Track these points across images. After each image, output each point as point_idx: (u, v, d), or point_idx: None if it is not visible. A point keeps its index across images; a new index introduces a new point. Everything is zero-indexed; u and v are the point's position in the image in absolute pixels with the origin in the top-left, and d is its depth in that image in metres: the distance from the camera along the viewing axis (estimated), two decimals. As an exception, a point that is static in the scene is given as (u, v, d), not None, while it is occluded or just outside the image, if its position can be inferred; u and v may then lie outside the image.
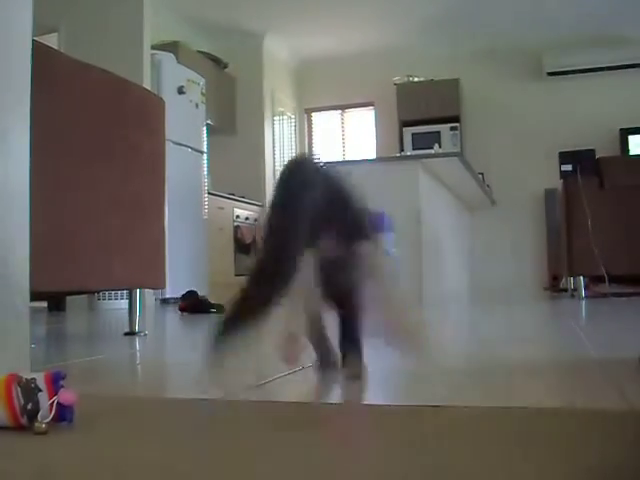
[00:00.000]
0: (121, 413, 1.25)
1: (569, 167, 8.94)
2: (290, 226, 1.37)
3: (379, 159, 7.57)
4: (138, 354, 2.49)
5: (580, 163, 8.91)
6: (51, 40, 6.63)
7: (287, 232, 1.37)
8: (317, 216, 1.38)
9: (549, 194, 9.08)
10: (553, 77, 9.11)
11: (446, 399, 1.32)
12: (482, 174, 8.86)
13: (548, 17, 8.44)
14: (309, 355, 2.24)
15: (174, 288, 5.85)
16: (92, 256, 2.59)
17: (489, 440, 0.96)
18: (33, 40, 1.61)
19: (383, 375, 1.76)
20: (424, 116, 9.26)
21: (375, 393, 1.54)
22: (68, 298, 5.83)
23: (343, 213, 1.47)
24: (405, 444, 0.96)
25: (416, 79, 9.54)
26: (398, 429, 1.06)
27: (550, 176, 8.95)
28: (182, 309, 5.53)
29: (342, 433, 1.05)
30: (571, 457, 0.87)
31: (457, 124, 9.25)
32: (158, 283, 3.08)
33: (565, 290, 7.10)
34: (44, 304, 5.78)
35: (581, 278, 5.82)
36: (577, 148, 8.93)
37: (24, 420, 1.07)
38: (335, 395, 1.60)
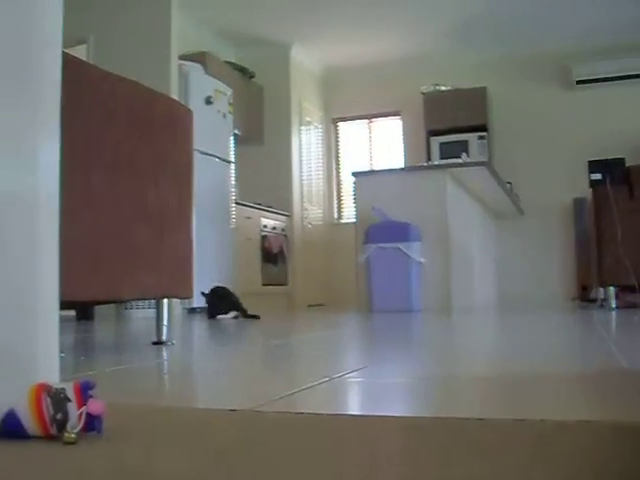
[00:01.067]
0: (149, 423, 1.26)
1: (598, 176, 8.89)
2: None
3: (406, 168, 7.56)
4: (166, 363, 2.50)
5: (610, 172, 8.85)
6: (80, 51, 6.71)
7: None
8: None
9: (578, 203, 9.01)
10: (582, 85, 9.04)
11: (473, 411, 1.31)
12: (510, 183, 8.82)
13: (577, 25, 8.39)
14: (331, 365, 2.24)
15: (201, 297, 5.88)
16: (120, 266, 2.61)
17: (514, 453, 0.95)
18: (62, 52, 1.63)
19: (409, 385, 1.75)
20: (451, 125, 9.24)
21: (400, 404, 1.53)
22: (96, 307, 5.88)
23: None
24: (431, 457, 0.95)
25: (443, 88, 9.51)
26: (424, 442, 1.06)
27: (579, 185, 8.90)
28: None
29: (368, 446, 1.05)
30: (600, 471, 0.86)
31: (485, 133, 9.21)
32: (185, 293, 3.09)
33: (594, 300, 7.03)
34: (72, 313, 5.82)
35: (611, 288, 5.76)
36: (606, 157, 8.87)
37: (53, 430, 1.08)
38: (362, 407, 1.60)
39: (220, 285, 6.14)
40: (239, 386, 1.87)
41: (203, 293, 5.80)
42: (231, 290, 6.03)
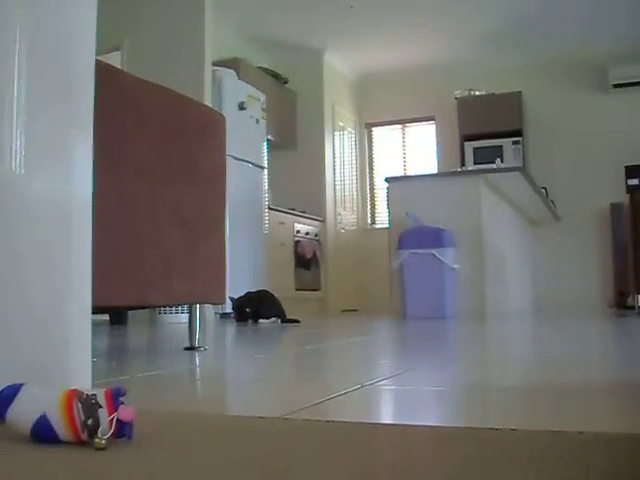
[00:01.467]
0: (181, 429, 1.26)
1: (635, 181, 8.80)
2: None
3: (440, 174, 7.53)
4: (198, 370, 2.51)
5: (647, 177, 8.74)
6: (114, 58, 6.78)
7: None
8: None
9: (615, 209, 8.91)
10: (619, 89, 8.95)
11: (506, 421, 1.30)
12: (545, 188, 8.74)
13: (613, 27, 8.31)
14: (364, 372, 2.23)
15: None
16: (153, 271, 2.63)
17: (548, 466, 0.94)
18: (96, 59, 1.64)
19: (442, 393, 1.74)
20: (485, 130, 9.19)
21: (433, 413, 1.52)
22: (130, 312, 5.92)
23: None
24: (462, 468, 0.94)
25: (477, 93, 9.47)
26: (456, 452, 1.05)
27: (616, 190, 8.80)
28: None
29: (399, 455, 1.04)
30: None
31: (519, 138, 9.15)
32: (218, 299, 3.10)
33: (632, 307, 6.94)
34: (106, 317, 5.88)
35: (649, 295, 5.68)
36: (644, 162, 8.77)
37: (84, 435, 1.08)
38: (393, 415, 1.59)
39: (264, 289, 6.20)
40: (270, 393, 1.87)
41: (232, 298, 5.84)
42: (274, 294, 6.08)
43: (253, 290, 6.11)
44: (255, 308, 5.87)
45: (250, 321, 5.88)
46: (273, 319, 5.87)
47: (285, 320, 5.79)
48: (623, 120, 8.98)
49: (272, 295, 6.02)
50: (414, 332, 4.49)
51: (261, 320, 5.90)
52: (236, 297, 5.91)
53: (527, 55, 9.16)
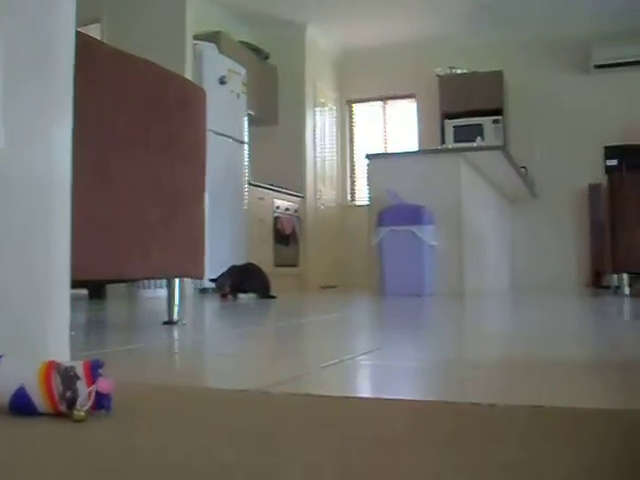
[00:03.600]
0: (159, 402, 1.26)
1: (614, 162, 8.84)
2: None
3: (421, 151, 7.53)
4: (176, 343, 2.51)
5: (626, 158, 8.80)
6: (94, 31, 6.71)
7: None
8: None
9: (593, 189, 8.96)
10: (601, 70, 8.96)
11: (484, 396, 1.31)
12: (525, 167, 8.77)
13: (596, 7, 8.31)
14: (343, 347, 2.24)
15: (213, 278, 5.90)
16: (131, 245, 2.62)
17: (526, 440, 0.95)
18: (76, 31, 1.63)
19: (420, 368, 1.75)
20: (466, 108, 9.19)
21: (411, 387, 1.53)
22: (108, 286, 5.90)
23: None
24: (440, 442, 0.95)
25: (459, 71, 9.46)
26: (434, 426, 1.06)
27: (595, 171, 8.86)
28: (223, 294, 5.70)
29: (376, 429, 1.05)
30: (618, 460, 0.86)
31: (500, 117, 9.15)
32: (197, 272, 3.09)
33: (608, 287, 7.01)
34: (85, 292, 5.85)
35: (625, 275, 5.74)
36: (623, 143, 8.81)
37: (63, 407, 1.08)
38: (372, 389, 1.60)
39: (250, 262, 6.22)
40: (249, 367, 1.88)
41: (213, 280, 5.85)
42: (260, 267, 6.10)
43: (239, 264, 6.12)
44: (238, 281, 5.87)
45: (230, 296, 5.89)
46: (252, 294, 5.88)
47: (265, 296, 5.80)
48: (604, 101, 9.01)
49: (258, 268, 6.03)
50: (392, 308, 4.51)
51: (240, 295, 5.91)
52: (219, 275, 5.90)
53: (509, 34, 9.15)
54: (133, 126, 2.61)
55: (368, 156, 6.92)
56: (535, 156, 9.26)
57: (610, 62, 8.88)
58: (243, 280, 5.88)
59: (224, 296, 5.89)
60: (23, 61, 1.46)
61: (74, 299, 1.69)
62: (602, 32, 8.81)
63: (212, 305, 4.99)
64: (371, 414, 1.15)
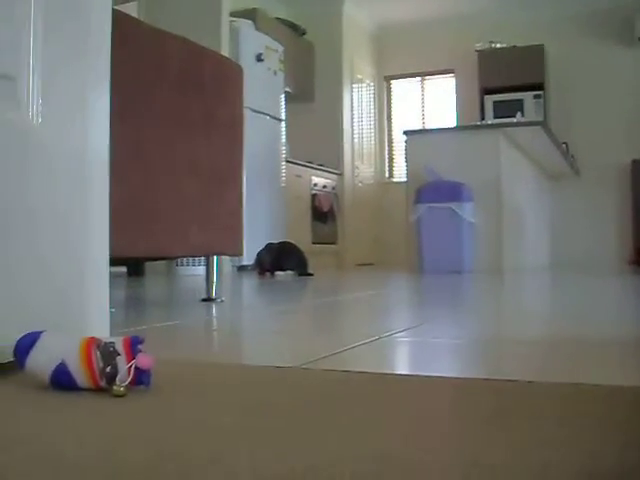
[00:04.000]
0: (198, 378, 1.27)
1: (659, 136, 8.67)
2: None
3: (459, 128, 7.46)
4: (215, 320, 2.53)
5: (670, 132, 8.62)
6: (131, 8, 6.72)
7: None
8: None
9: (636, 165, 8.82)
10: (645, 42, 8.77)
11: (523, 374, 1.30)
12: (566, 143, 8.65)
13: (639, -21, 8.13)
14: (381, 324, 2.23)
15: (251, 255, 5.93)
16: (170, 222, 2.63)
17: (565, 417, 0.94)
18: (113, 9, 1.63)
19: (459, 345, 1.74)
20: (506, 83, 9.07)
21: (449, 364, 1.52)
22: (147, 264, 5.96)
23: None
24: (478, 419, 0.95)
25: (498, 45, 9.33)
26: (472, 403, 1.05)
27: (638, 146, 8.69)
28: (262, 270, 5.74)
29: (415, 405, 1.04)
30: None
31: (541, 92, 9.03)
32: (235, 250, 3.10)
33: (651, 264, 6.91)
34: (124, 269, 5.92)
35: (668, 252, 5.64)
36: (668, 116, 8.64)
37: (103, 383, 1.10)
38: (410, 366, 1.60)
39: (287, 240, 6.26)
40: (287, 344, 1.88)
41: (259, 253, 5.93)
42: (297, 245, 6.13)
43: (275, 242, 6.15)
44: (275, 259, 5.90)
45: (268, 273, 5.92)
46: (290, 272, 5.91)
47: (302, 273, 5.82)
48: (647, 74, 8.84)
49: (295, 246, 6.05)
50: (431, 286, 4.49)
51: (278, 272, 5.94)
52: (257, 253, 5.95)
53: (550, 7, 9.00)
54: (170, 103, 2.62)
55: (406, 132, 6.88)
56: (577, 132, 9.12)
57: (655, 34, 8.69)
58: (281, 258, 5.90)
59: (262, 274, 5.92)
60: (61, 37, 1.46)
61: (113, 276, 1.71)
62: (646, 3, 8.62)
63: (250, 282, 5.01)
64: (410, 391, 1.15)
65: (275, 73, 7.37)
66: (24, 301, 1.38)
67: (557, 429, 0.87)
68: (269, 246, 6.01)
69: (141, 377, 1.11)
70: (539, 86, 9.06)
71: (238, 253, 3.15)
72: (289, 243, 6.14)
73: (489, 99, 9.19)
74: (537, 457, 0.75)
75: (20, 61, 1.37)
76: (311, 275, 5.77)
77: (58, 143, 1.45)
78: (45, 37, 1.41)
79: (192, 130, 2.74)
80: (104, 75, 1.57)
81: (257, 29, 7.27)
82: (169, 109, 2.61)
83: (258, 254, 5.95)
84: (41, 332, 1.16)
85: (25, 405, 1.05)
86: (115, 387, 1.08)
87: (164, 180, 2.59)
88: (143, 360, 1.10)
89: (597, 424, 0.89)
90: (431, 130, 7.25)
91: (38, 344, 1.13)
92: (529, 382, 1.17)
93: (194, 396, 1.10)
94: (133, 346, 1.12)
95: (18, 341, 1.15)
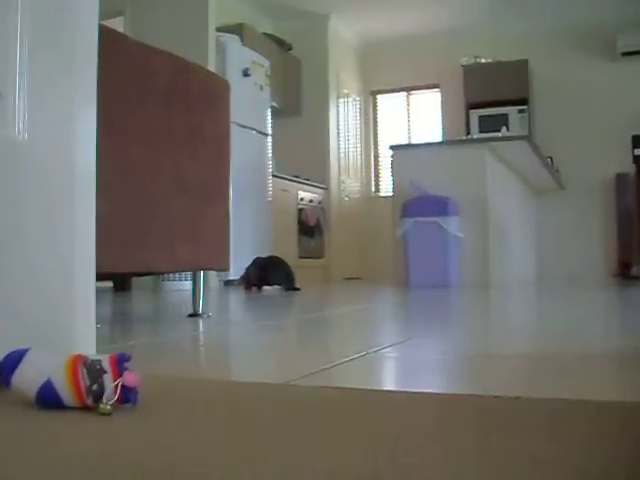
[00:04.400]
0: (185, 395, 1.26)
1: (642, 151, 8.73)
2: None
3: (445, 142, 7.49)
4: (202, 336, 2.52)
5: (654, 147, 8.68)
6: (117, 24, 6.73)
7: None
8: None
9: (621, 179, 8.87)
10: (628, 57, 8.85)
11: (509, 389, 1.30)
12: (551, 158, 8.70)
13: (622, -5, 8.21)
14: (368, 339, 2.23)
15: (238, 270, 5.92)
16: (156, 238, 2.63)
17: (552, 433, 0.94)
18: (99, 24, 1.63)
19: (445, 361, 1.74)
20: (491, 98, 9.13)
21: (436, 380, 1.52)
22: (134, 279, 5.94)
23: None
24: (465, 435, 0.95)
25: (483, 60, 9.39)
26: (459, 419, 1.05)
27: (622, 160, 8.75)
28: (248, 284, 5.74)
29: (402, 421, 1.04)
30: (634, 450, 0.85)
31: (525, 106, 9.09)
32: (222, 265, 3.10)
33: (637, 278, 6.94)
34: (110, 284, 5.89)
35: (653, 265, 5.67)
36: (651, 131, 8.70)
37: (89, 401, 1.09)
38: (397, 382, 1.60)
39: (274, 255, 6.26)
40: (274, 359, 1.88)
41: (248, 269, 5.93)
42: (284, 260, 6.13)
43: (263, 256, 6.16)
44: (263, 273, 5.90)
45: (255, 288, 5.91)
46: (278, 286, 5.90)
47: (290, 288, 5.82)
48: (631, 89, 8.91)
49: (282, 261, 6.05)
50: (417, 300, 4.50)
51: (265, 287, 5.93)
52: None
53: (534, 22, 9.07)
54: (156, 119, 2.62)
55: (392, 147, 6.90)
56: (561, 146, 9.17)
57: (637, 49, 8.77)
58: (268, 272, 5.90)
59: (248, 288, 5.92)
60: (48, 53, 1.46)
61: (99, 292, 1.70)
62: (628, 19, 8.70)
63: (237, 297, 5.00)
64: (397, 407, 1.15)
65: (261, 88, 7.38)
66: (13, 316, 1.38)
67: (544, 445, 0.87)
68: (256, 261, 6.00)
69: (128, 395, 1.10)
70: (524, 101, 9.12)
71: (225, 268, 3.15)
72: (276, 257, 6.14)
73: (474, 113, 9.24)
74: (523, 474, 0.75)
75: (7, 78, 1.37)
76: (298, 290, 5.77)
77: (45, 159, 1.45)
78: (32, 54, 1.41)
79: (178, 145, 2.74)
80: (91, 91, 1.58)
81: (243, 44, 7.28)
82: (155, 124, 2.61)
83: (246, 269, 5.94)
84: (27, 349, 1.15)
85: (10, 423, 1.04)
86: (102, 405, 1.07)
87: (150, 195, 2.59)
88: (130, 378, 1.10)
89: (585, 440, 0.90)
90: (417, 145, 7.28)
91: (24, 361, 1.13)
92: (515, 398, 1.17)
93: (180, 414, 1.10)
94: (120, 364, 1.11)
95: (4, 358, 1.14)
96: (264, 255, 6.28)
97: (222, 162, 3.05)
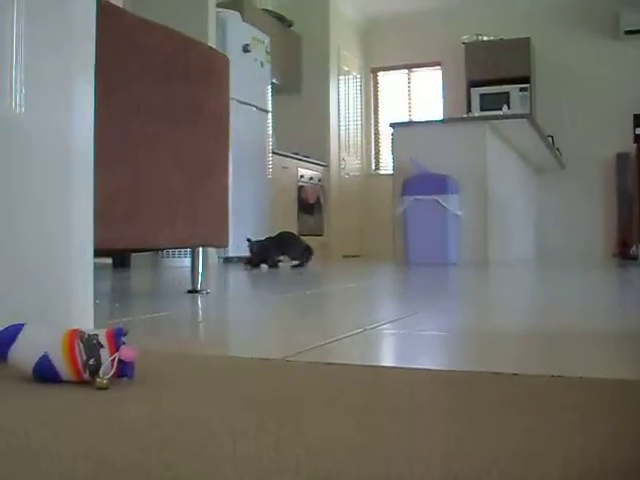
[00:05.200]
0: (182, 370, 1.26)
1: (643, 130, 8.70)
2: None
3: (446, 120, 7.46)
4: (200, 312, 2.52)
5: (655, 126, 8.65)
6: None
7: None
8: None
9: (621, 158, 8.85)
10: (631, 35, 8.79)
11: (507, 366, 1.30)
12: (552, 137, 8.67)
13: (626, -27, 8.14)
14: (366, 316, 2.23)
15: (237, 247, 5.92)
16: (156, 214, 2.62)
17: (548, 410, 0.94)
18: (98, -3, 1.62)
19: (443, 338, 1.75)
20: (493, 76, 9.08)
21: (434, 357, 1.52)
22: (133, 255, 5.94)
23: None
24: (463, 411, 0.95)
25: (485, 38, 9.34)
26: (456, 395, 1.05)
27: (623, 140, 8.73)
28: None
29: (399, 398, 1.04)
30: (628, 428, 0.85)
31: (527, 85, 9.04)
32: (221, 241, 3.10)
33: (635, 257, 6.95)
34: (109, 260, 5.89)
35: (652, 245, 5.67)
36: (653, 110, 8.67)
37: (86, 375, 1.09)
38: (395, 359, 1.60)
39: (286, 230, 6.33)
40: (272, 335, 1.88)
41: (249, 240, 5.93)
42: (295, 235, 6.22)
43: (272, 235, 6.20)
44: (279, 249, 5.95)
45: (265, 266, 5.93)
46: (295, 261, 5.97)
47: (303, 262, 5.93)
48: (634, 68, 8.85)
49: (296, 236, 6.16)
50: (416, 278, 4.50)
51: (263, 265, 5.94)
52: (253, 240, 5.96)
53: (536, 0, 9.01)
54: (156, 94, 2.60)
55: (392, 125, 6.87)
56: (562, 125, 9.14)
57: (640, 28, 8.71)
58: (285, 247, 5.97)
59: (256, 265, 5.92)
60: (46, 26, 1.45)
61: (98, 268, 1.70)
62: (632, -3, 8.64)
63: (237, 274, 5.01)
64: (392, 383, 1.15)
65: (262, 64, 7.34)
66: (10, 291, 1.37)
67: (540, 421, 0.87)
68: (270, 238, 6.07)
69: (124, 369, 1.10)
70: (525, 79, 9.07)
71: (224, 244, 3.14)
72: (290, 233, 6.24)
73: (475, 92, 9.20)
74: (520, 450, 0.75)
75: (2, 49, 1.36)
76: (302, 266, 5.87)
77: (42, 132, 1.44)
78: (28, 27, 1.40)
79: (177, 121, 2.72)
80: (89, 65, 1.56)
81: (244, 20, 7.23)
82: (154, 100, 2.60)
83: (258, 245, 5.96)
84: (23, 324, 1.15)
85: (7, 397, 1.04)
86: (98, 380, 1.07)
87: (149, 171, 2.58)
88: (126, 352, 1.09)
89: (580, 417, 0.90)
90: (417, 122, 7.25)
91: (20, 336, 1.13)
92: (513, 374, 1.17)
93: (177, 388, 1.10)
94: (116, 338, 1.11)
95: (0, 333, 1.14)
96: (264, 233, 6.29)
97: (221, 138, 3.03)
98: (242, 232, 5.96)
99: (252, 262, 5.93)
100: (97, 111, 1.58)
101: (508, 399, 1.00)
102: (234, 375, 1.22)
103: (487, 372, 1.20)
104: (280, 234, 6.16)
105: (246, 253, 6.01)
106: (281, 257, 5.98)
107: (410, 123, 7.52)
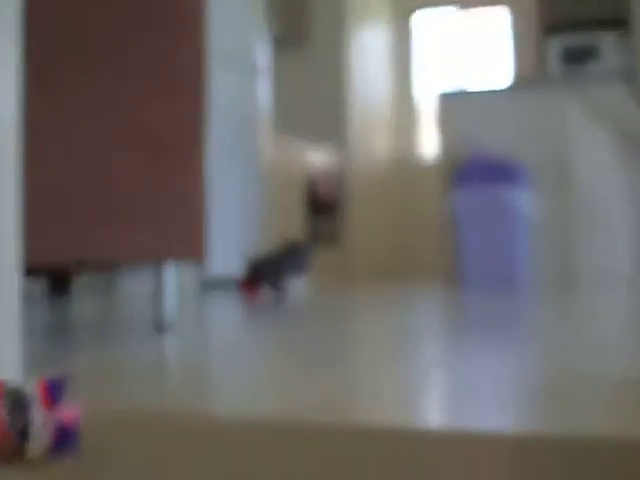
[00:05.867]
0: (141, 434, 1.26)
1: None
2: None
3: (513, 86, 7.44)
4: (168, 357, 2.52)
5: None
6: None
7: None
8: None
9: None
10: None
11: (594, 426, 1.30)
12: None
13: None
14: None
15: (221, 264, 5.93)
16: (102, 215, 2.62)
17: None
18: None
19: (508, 389, 1.74)
20: (577, 19, 9.08)
21: (496, 415, 1.52)
22: (75, 278, 5.95)
23: None
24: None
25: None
26: (536, 466, 1.05)
27: None
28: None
29: (451, 470, 1.04)
30: None
31: (625, 31, 9.03)
32: (194, 253, 3.08)
33: None
34: (43, 286, 5.91)
35: None
36: None
37: (12, 442, 1.09)
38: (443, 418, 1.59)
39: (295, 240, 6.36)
40: (270, 387, 1.88)
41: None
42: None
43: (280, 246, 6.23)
44: (278, 269, 5.95)
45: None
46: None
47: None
48: None
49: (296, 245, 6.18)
50: (473, 310, 4.49)
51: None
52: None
53: None
54: (101, 41, 2.61)
55: (441, 96, 6.87)
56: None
57: None
58: (283, 265, 5.99)
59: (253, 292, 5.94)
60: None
61: (28, 297, 1.71)
62: None
63: (221, 302, 5.01)
64: (446, 451, 1.14)
65: (252, 7, 7.38)
66: None
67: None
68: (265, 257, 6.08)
69: (64, 436, 1.10)
70: (622, 22, 9.06)
71: (198, 257, 3.13)
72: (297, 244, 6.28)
73: (553, 42, 9.19)
74: None
75: None
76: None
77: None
78: None
79: (133, 84, 2.73)
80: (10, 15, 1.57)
81: (227, -54, 7.27)
82: (102, 52, 2.60)
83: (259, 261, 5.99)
84: None
85: None
86: (28, 450, 1.07)
87: (93, 156, 2.59)
88: (67, 413, 1.09)
89: None
90: (474, 92, 7.23)
91: None
92: (606, 439, 1.17)
93: (134, 460, 1.10)
94: (53, 393, 1.11)
95: None
96: (266, 243, 6.29)
97: (194, 108, 3.03)
98: (226, 242, 5.97)
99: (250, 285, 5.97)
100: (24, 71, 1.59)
101: (598, 470, 1.00)
102: (215, 442, 1.22)
103: (577, 435, 1.19)
104: (290, 243, 6.17)
105: (237, 273, 6.02)
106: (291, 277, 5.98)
107: (464, 93, 7.51)
